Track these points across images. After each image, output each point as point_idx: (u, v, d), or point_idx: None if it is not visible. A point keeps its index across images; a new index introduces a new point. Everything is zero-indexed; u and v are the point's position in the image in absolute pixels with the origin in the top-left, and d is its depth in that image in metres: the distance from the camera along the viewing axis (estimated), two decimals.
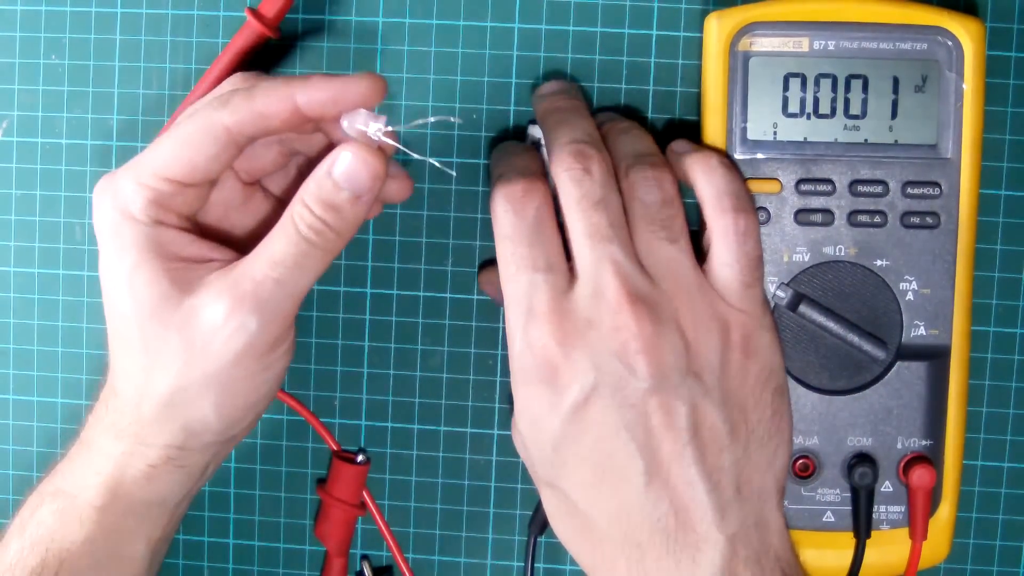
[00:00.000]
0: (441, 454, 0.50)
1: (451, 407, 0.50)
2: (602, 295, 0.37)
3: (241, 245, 0.40)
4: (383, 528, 0.50)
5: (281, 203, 0.43)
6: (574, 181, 0.38)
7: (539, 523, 0.48)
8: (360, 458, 0.49)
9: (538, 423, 0.38)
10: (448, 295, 0.49)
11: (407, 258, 0.49)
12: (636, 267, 0.38)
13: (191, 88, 0.47)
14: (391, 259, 0.49)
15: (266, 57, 0.48)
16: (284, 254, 0.37)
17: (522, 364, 0.38)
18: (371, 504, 0.50)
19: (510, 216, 0.38)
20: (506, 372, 0.49)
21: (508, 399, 0.46)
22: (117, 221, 0.37)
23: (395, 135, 0.38)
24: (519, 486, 0.50)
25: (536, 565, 0.49)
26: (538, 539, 0.48)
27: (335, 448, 0.50)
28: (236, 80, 0.41)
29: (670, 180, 0.40)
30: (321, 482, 0.50)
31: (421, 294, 0.49)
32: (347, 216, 0.37)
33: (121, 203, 0.37)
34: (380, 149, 0.38)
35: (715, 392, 0.37)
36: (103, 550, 0.39)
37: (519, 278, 0.38)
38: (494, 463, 0.50)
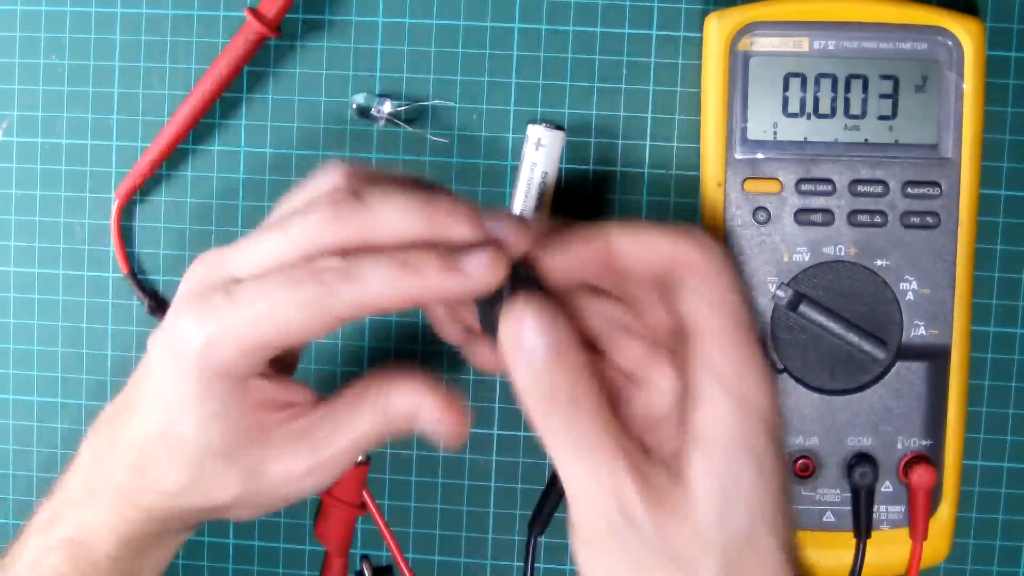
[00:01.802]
0: (441, 454, 0.50)
1: None
2: None
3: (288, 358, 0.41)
4: (383, 528, 0.50)
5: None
6: None
7: (539, 523, 0.48)
8: (360, 458, 0.49)
9: None
10: None
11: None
12: None
13: (191, 88, 0.47)
14: None
15: (266, 57, 0.48)
16: (364, 438, 0.37)
17: None
18: (371, 504, 0.50)
19: None
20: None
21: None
22: (210, 374, 0.35)
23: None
24: (519, 486, 0.50)
25: (536, 565, 0.49)
26: (538, 539, 0.48)
27: None
28: (337, 176, 0.37)
29: None
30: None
31: None
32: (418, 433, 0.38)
33: (219, 362, 0.35)
34: (459, 405, 0.37)
35: None
36: None
37: None
38: (494, 463, 0.50)
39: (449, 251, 0.34)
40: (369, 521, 0.50)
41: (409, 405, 0.37)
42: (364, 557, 0.51)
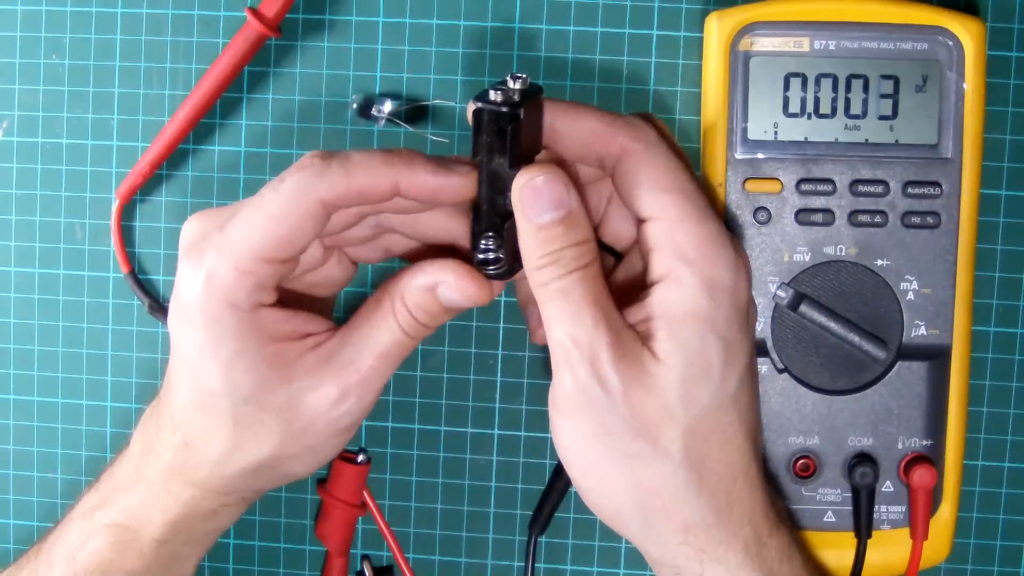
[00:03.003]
0: (441, 454, 0.50)
1: (451, 407, 0.50)
2: None
3: (314, 302, 0.40)
4: (383, 528, 0.50)
5: (354, 264, 0.42)
6: None
7: (539, 523, 0.48)
8: (360, 458, 0.49)
9: None
10: None
11: None
12: None
13: (191, 88, 0.47)
14: (391, 259, 0.49)
15: (266, 57, 0.48)
16: (388, 347, 0.37)
17: None
18: (371, 504, 0.50)
19: None
20: (505, 372, 0.49)
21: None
22: (217, 309, 0.36)
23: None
24: (519, 486, 0.50)
25: (536, 565, 0.49)
26: (538, 539, 0.48)
27: None
28: (315, 159, 0.37)
29: None
30: (321, 482, 0.50)
31: None
32: (444, 319, 0.38)
33: (221, 291, 0.36)
34: (483, 276, 0.37)
35: None
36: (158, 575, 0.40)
37: None
38: (494, 463, 0.50)
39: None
40: (369, 521, 0.50)
41: (426, 288, 0.37)
42: (364, 557, 0.51)
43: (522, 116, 0.34)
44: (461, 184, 0.36)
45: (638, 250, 0.38)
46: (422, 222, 0.39)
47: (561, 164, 0.36)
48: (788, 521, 0.41)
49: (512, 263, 0.36)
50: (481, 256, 0.36)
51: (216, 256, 0.35)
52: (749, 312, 0.37)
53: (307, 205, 0.35)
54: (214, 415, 0.37)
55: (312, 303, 0.40)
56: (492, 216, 0.36)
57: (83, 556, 0.39)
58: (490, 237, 0.36)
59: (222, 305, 0.36)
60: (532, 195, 0.34)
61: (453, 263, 0.37)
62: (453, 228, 0.38)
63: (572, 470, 0.37)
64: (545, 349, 0.49)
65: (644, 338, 0.35)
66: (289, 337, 0.37)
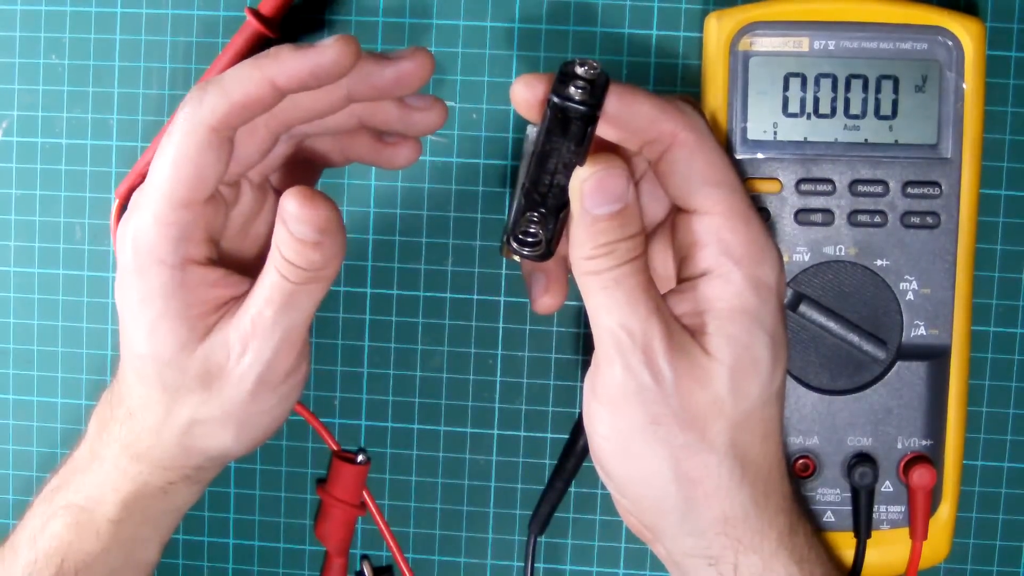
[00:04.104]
0: (441, 454, 0.50)
1: (451, 407, 0.50)
2: None
3: (248, 236, 0.40)
4: (383, 528, 0.50)
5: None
6: None
7: (539, 523, 0.48)
8: (360, 458, 0.49)
9: None
10: (448, 295, 0.49)
11: (407, 258, 0.49)
12: None
13: (191, 88, 0.47)
14: (391, 259, 0.49)
15: None
16: (271, 293, 0.37)
17: None
18: (371, 504, 0.50)
19: None
20: (505, 372, 0.49)
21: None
22: (145, 266, 0.36)
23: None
24: (519, 486, 0.50)
25: (536, 565, 0.49)
26: (538, 539, 0.48)
27: (335, 448, 0.50)
28: (193, 91, 0.37)
29: None
30: (321, 482, 0.50)
31: (421, 294, 0.49)
32: (314, 258, 0.36)
33: (147, 247, 0.36)
34: (322, 194, 0.36)
35: None
36: (119, 559, 0.40)
37: None
38: (494, 463, 0.50)
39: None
40: (369, 521, 0.50)
41: (280, 222, 0.36)
42: (364, 557, 0.51)
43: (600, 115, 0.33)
44: (335, 56, 0.35)
45: (663, 234, 0.38)
46: (329, 113, 0.38)
47: (603, 146, 0.36)
48: (808, 511, 0.41)
49: (548, 248, 0.36)
50: (521, 236, 0.36)
51: (139, 214, 0.36)
52: (784, 305, 0.38)
53: (199, 137, 0.35)
54: (146, 380, 0.37)
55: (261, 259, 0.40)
56: (537, 198, 0.35)
57: (43, 539, 0.40)
58: (534, 220, 0.35)
59: (150, 261, 0.36)
60: (595, 187, 0.34)
61: (292, 191, 0.35)
62: (363, 110, 0.39)
63: (610, 459, 0.37)
64: (540, 348, 0.49)
65: (692, 331, 0.36)
66: (214, 302, 0.37)
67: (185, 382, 0.37)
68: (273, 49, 0.35)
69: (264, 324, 0.37)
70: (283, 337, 0.37)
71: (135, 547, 0.41)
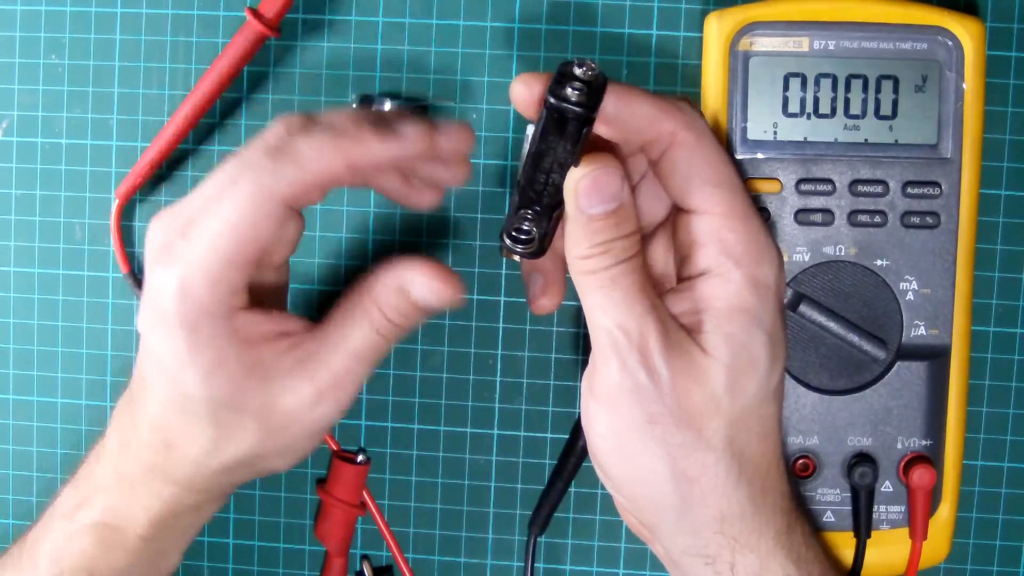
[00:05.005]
0: (441, 454, 0.50)
1: (451, 407, 0.50)
2: None
3: (279, 268, 0.40)
4: (383, 528, 0.50)
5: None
6: None
7: (539, 523, 0.48)
8: (360, 458, 0.49)
9: None
10: None
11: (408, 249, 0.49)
12: None
13: (191, 88, 0.47)
14: (390, 249, 0.49)
15: (266, 57, 0.48)
16: (365, 351, 0.38)
17: None
18: (371, 504, 0.50)
19: None
20: (505, 372, 0.49)
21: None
22: (193, 319, 0.36)
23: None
24: (519, 486, 0.50)
25: (536, 565, 0.49)
26: (538, 539, 0.48)
27: (335, 448, 0.50)
28: (281, 129, 0.37)
29: None
30: (321, 482, 0.50)
31: None
32: (418, 320, 0.38)
33: (196, 301, 0.35)
34: (449, 270, 0.38)
35: None
36: (144, 570, 0.40)
37: None
38: (494, 463, 0.50)
39: (381, 120, 0.36)
40: (369, 521, 0.50)
41: (397, 288, 0.37)
42: (364, 557, 0.51)
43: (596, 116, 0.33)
44: (419, 148, 0.36)
45: (663, 234, 0.38)
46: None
47: (603, 145, 0.36)
48: (806, 510, 0.41)
49: (541, 245, 0.36)
50: (515, 233, 0.36)
51: (187, 268, 0.35)
52: (783, 304, 0.38)
53: (268, 208, 0.35)
54: (194, 418, 0.37)
55: (269, 275, 0.40)
56: (532, 196, 0.35)
57: (68, 557, 0.39)
58: (528, 218, 0.36)
59: (198, 314, 0.36)
60: (590, 186, 0.34)
61: (422, 261, 0.37)
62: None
63: (607, 458, 0.37)
64: (540, 348, 0.49)
65: (690, 330, 0.36)
66: (266, 339, 0.37)
67: (242, 422, 0.37)
68: (354, 125, 0.35)
69: (352, 379, 0.38)
70: (357, 387, 0.38)
71: (161, 559, 0.41)
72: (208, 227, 0.35)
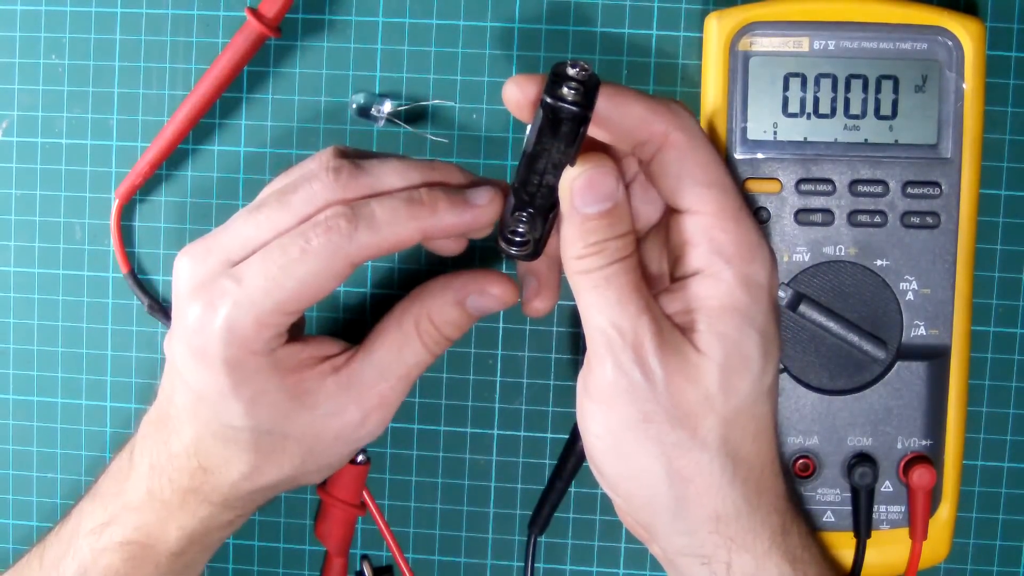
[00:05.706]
0: (441, 454, 0.50)
1: (450, 407, 0.50)
2: None
3: None
4: (383, 528, 0.50)
5: None
6: None
7: (539, 523, 0.48)
8: (360, 458, 0.49)
9: None
10: None
11: (407, 259, 0.49)
12: None
13: (191, 88, 0.47)
14: (391, 259, 0.49)
15: (266, 57, 0.48)
16: (412, 368, 0.39)
17: None
18: (371, 504, 0.50)
19: None
20: (506, 372, 0.49)
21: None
22: (238, 357, 0.36)
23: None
24: (519, 486, 0.50)
25: (536, 565, 0.49)
26: (538, 539, 0.48)
27: None
28: (330, 158, 0.37)
29: None
30: (321, 482, 0.50)
31: None
32: (467, 330, 0.39)
33: (242, 341, 0.36)
34: (500, 273, 0.39)
35: None
36: None
37: None
38: (494, 463, 0.50)
39: (452, 188, 0.37)
40: (369, 521, 0.50)
41: (455, 303, 0.38)
42: (364, 557, 0.51)
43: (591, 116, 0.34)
44: (486, 216, 0.37)
45: (657, 235, 0.39)
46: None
47: (597, 147, 0.37)
48: (803, 511, 0.41)
49: (536, 247, 0.36)
50: (509, 235, 0.36)
51: (236, 309, 0.36)
52: (777, 305, 0.38)
53: (337, 268, 0.36)
54: (234, 445, 0.38)
55: None
56: (527, 198, 0.35)
57: (96, 573, 0.40)
58: (523, 220, 0.36)
59: (243, 353, 0.36)
60: (585, 186, 0.35)
61: (485, 274, 0.38)
62: None
63: (603, 457, 0.37)
64: (539, 348, 0.49)
65: (683, 330, 0.36)
66: (307, 366, 0.38)
67: (285, 446, 0.38)
68: (428, 195, 0.36)
69: (398, 397, 0.39)
70: (401, 401, 0.39)
71: (189, 571, 0.42)
72: (267, 276, 0.35)
